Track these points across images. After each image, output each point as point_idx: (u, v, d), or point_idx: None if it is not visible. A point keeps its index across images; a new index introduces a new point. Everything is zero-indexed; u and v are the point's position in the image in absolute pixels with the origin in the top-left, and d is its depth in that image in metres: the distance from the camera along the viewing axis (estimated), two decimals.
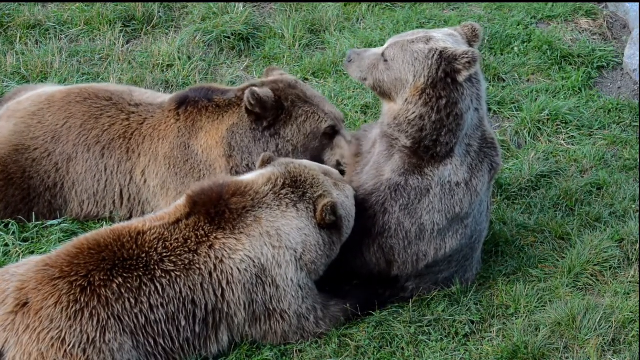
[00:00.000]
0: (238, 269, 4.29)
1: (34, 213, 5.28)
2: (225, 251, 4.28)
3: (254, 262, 4.32)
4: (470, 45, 4.60)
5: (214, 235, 4.31)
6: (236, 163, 5.15)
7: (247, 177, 4.58)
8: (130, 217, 5.31)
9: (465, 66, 4.37)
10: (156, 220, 4.37)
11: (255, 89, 5.07)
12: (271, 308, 4.40)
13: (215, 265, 4.26)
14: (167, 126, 5.28)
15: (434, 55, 4.42)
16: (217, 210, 4.35)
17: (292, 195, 4.46)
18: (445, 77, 4.41)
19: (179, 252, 4.23)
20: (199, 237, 4.30)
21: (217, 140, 5.18)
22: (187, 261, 4.23)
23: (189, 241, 4.28)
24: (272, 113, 5.13)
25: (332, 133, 5.28)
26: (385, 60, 4.60)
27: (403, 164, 4.65)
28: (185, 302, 4.20)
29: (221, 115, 5.22)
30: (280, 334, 4.47)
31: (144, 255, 4.18)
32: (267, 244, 4.35)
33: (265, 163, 4.66)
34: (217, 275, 4.26)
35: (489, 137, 4.77)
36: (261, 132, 5.16)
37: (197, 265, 4.24)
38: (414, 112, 4.51)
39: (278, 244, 4.36)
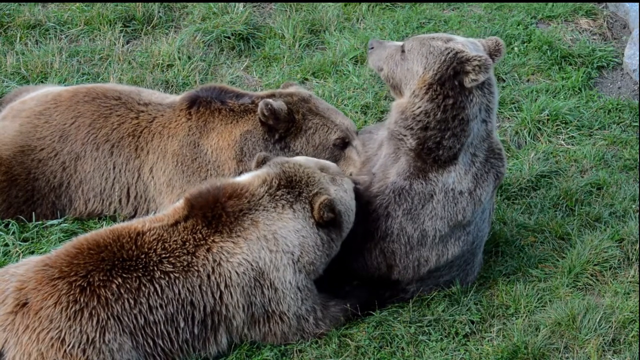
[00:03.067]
0: (236, 272, 4.28)
1: (36, 214, 5.27)
2: (223, 254, 4.27)
3: (251, 265, 4.31)
4: (492, 59, 4.55)
5: (212, 238, 4.30)
6: (245, 168, 5.15)
7: (243, 178, 4.56)
8: (134, 216, 5.31)
9: (475, 69, 4.36)
10: (155, 221, 4.36)
11: (270, 100, 5.10)
12: (270, 310, 4.39)
13: (213, 268, 4.25)
14: (177, 124, 5.28)
15: (449, 53, 4.43)
16: (213, 214, 4.33)
17: (288, 196, 4.44)
18: (453, 76, 4.41)
19: (177, 254, 4.23)
20: (197, 240, 4.29)
21: (229, 143, 5.18)
22: (185, 263, 4.22)
23: (187, 244, 4.27)
24: (283, 125, 5.16)
25: (342, 144, 5.28)
26: (403, 51, 4.64)
27: (408, 167, 4.64)
28: (184, 303, 4.19)
29: (235, 120, 5.23)
30: (279, 335, 4.46)
31: (143, 256, 4.18)
32: (264, 248, 4.33)
33: (261, 163, 4.65)
34: (215, 278, 4.25)
35: (496, 148, 4.75)
36: (272, 144, 5.19)
37: (196, 268, 4.23)
38: (419, 107, 4.51)
39: (275, 248, 4.34)
